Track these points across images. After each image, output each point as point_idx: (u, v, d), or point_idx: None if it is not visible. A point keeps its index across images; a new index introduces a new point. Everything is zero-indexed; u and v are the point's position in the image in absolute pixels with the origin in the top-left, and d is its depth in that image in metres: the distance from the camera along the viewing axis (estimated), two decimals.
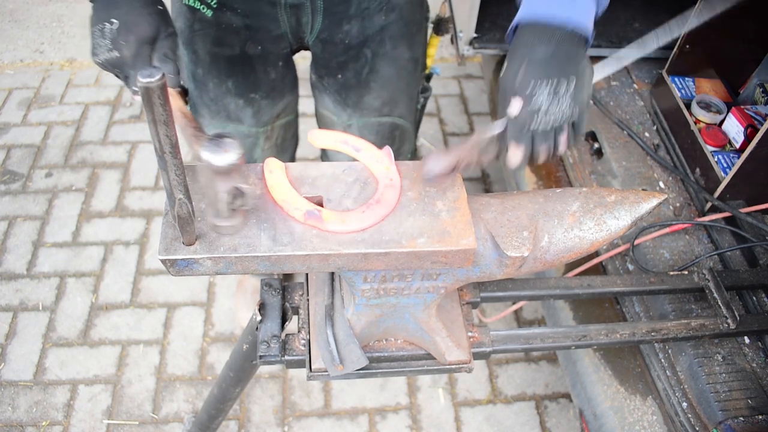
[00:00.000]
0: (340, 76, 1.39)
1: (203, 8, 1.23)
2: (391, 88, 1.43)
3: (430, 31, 1.58)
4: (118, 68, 0.92)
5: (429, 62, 1.65)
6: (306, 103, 1.73)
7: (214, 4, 1.22)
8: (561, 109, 0.77)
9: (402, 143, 1.57)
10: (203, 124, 1.43)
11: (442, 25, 1.55)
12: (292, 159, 1.74)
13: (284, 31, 1.29)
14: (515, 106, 0.77)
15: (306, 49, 1.41)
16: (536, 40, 0.78)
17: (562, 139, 0.80)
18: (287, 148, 1.67)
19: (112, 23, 0.89)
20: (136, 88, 0.90)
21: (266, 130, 1.50)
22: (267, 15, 1.24)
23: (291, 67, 1.45)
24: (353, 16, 1.26)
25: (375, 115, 1.46)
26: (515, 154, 0.80)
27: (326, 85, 1.44)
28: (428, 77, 1.64)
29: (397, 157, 1.62)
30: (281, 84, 1.44)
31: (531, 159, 0.81)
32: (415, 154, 1.70)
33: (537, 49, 0.77)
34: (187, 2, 1.24)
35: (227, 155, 0.66)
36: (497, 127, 0.80)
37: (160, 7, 0.95)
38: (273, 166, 0.83)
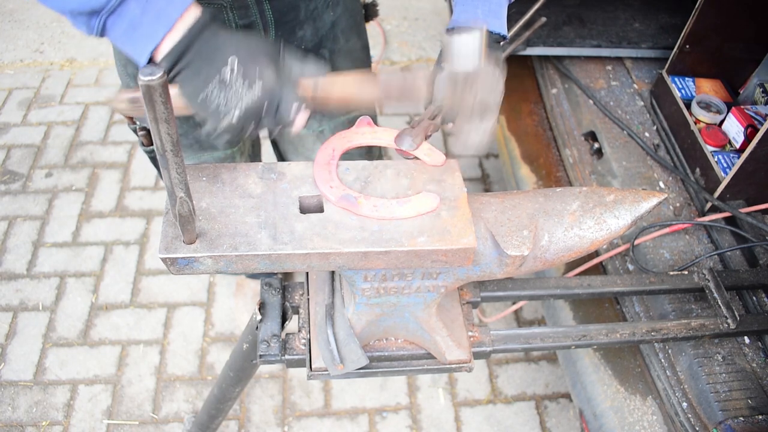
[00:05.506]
0: None
1: None
2: None
3: None
4: (269, 101, 0.78)
5: None
6: None
7: None
8: None
9: None
10: None
11: (370, 11, 1.56)
12: (260, 158, 1.77)
13: None
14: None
15: None
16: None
17: None
18: (257, 152, 1.70)
19: (231, 64, 0.75)
20: (293, 105, 0.79)
21: (240, 147, 1.51)
22: None
23: None
24: (304, 20, 1.25)
25: (343, 112, 1.46)
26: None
27: None
28: None
29: (368, 149, 1.63)
30: None
31: None
32: None
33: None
34: None
35: (478, 33, 0.73)
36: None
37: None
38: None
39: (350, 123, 1.49)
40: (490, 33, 0.94)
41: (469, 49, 0.78)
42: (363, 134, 0.90)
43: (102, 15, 0.75)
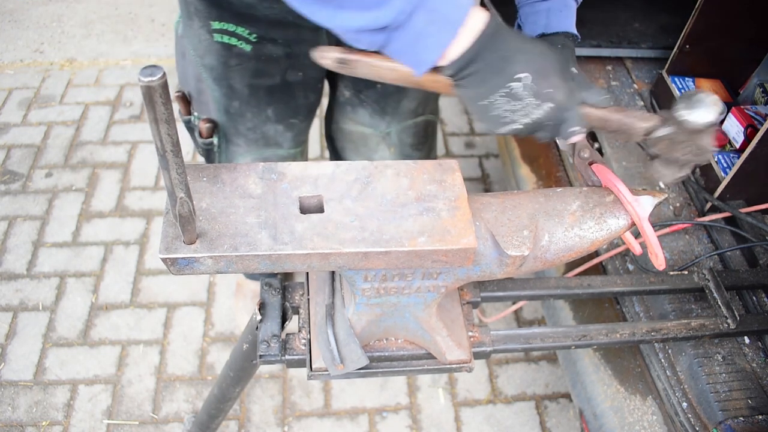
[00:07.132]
0: (379, 85, 1.37)
1: (241, 44, 1.20)
2: None
3: None
4: (552, 120, 0.78)
5: None
6: None
7: (254, 38, 1.19)
8: None
9: (432, 137, 1.62)
10: (238, 153, 1.41)
11: None
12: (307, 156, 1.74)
13: None
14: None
15: None
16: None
17: None
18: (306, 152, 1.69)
19: (521, 79, 0.74)
20: (575, 128, 0.79)
21: (302, 149, 1.50)
22: (309, 41, 1.21)
23: (324, 85, 1.45)
24: None
25: (411, 117, 1.47)
26: None
27: (364, 98, 1.43)
28: None
29: (428, 152, 1.65)
30: (316, 103, 1.44)
31: None
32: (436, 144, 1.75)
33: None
34: (220, 40, 1.21)
35: (716, 107, 0.67)
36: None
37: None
38: None
39: (417, 126, 1.51)
40: (558, 33, 0.94)
41: (707, 102, 0.74)
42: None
43: (389, 30, 0.72)
